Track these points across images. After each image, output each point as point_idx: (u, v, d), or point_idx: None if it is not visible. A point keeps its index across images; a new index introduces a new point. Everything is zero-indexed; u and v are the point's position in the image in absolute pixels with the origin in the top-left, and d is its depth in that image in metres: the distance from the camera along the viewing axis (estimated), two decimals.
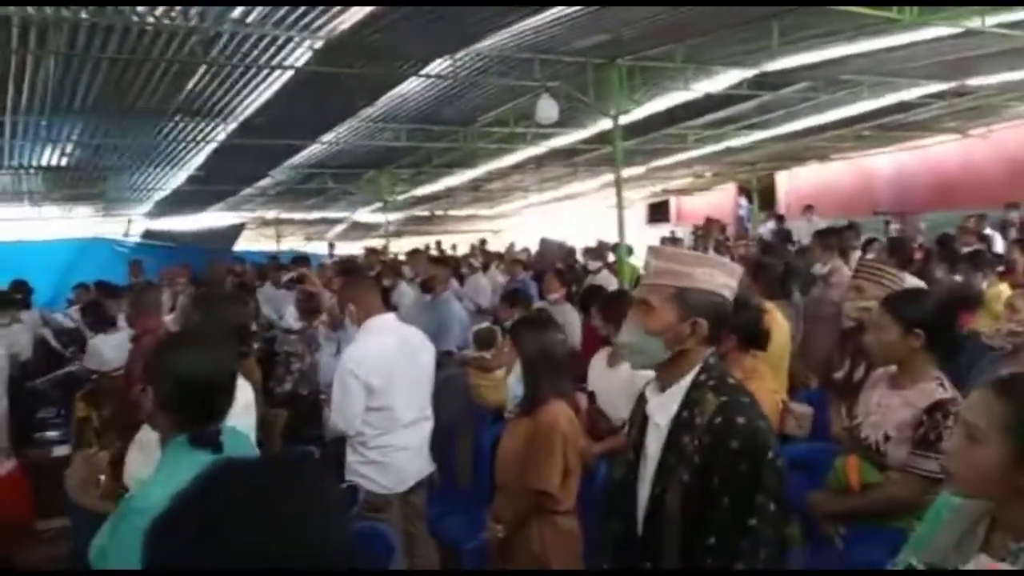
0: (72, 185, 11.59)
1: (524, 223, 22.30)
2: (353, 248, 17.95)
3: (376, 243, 17.18)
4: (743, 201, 18.18)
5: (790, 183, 17.57)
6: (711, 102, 9.11)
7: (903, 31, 6.54)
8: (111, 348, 6.42)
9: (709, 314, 1.67)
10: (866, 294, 3.05)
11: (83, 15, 5.02)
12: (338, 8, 5.10)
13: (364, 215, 17.41)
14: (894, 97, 9.66)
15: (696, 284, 1.67)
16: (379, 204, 14.41)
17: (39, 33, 5.32)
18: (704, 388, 1.65)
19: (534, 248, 13.25)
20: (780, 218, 13.93)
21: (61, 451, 6.19)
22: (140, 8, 4.99)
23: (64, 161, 9.77)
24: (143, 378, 1.79)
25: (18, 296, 7.90)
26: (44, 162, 9.73)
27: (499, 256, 12.88)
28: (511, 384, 2.65)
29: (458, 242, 17.67)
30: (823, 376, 3.71)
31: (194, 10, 5.07)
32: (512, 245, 16.01)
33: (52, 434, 6.73)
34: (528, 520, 2.62)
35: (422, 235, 18.47)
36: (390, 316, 3.55)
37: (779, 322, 3.40)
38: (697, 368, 1.67)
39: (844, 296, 3.29)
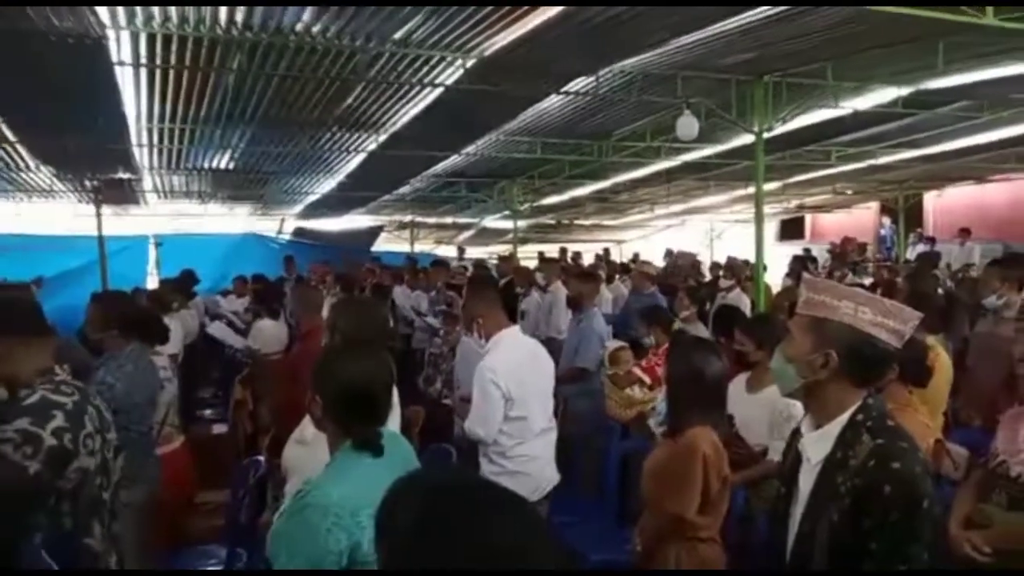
0: (236, 186, 12.65)
1: (647, 235, 22.09)
2: (479, 252, 18.46)
3: (503, 248, 17.59)
4: (886, 221, 17.18)
5: (940, 203, 16.44)
6: (858, 119, 8.73)
7: None
8: (272, 331, 7.03)
9: (845, 349, 1.65)
10: None
11: (263, 36, 5.53)
12: (494, 28, 5.34)
13: (492, 221, 17.88)
14: None
15: (835, 317, 1.66)
16: (508, 212, 14.78)
17: (223, 52, 5.87)
18: (859, 429, 1.63)
19: (657, 260, 13.14)
20: (931, 240, 13.08)
21: (219, 429, 6.80)
22: (314, 29, 5.44)
23: (231, 165, 10.69)
24: (312, 386, 1.94)
25: (189, 284, 8.74)
26: (214, 165, 10.69)
27: (623, 267, 12.86)
28: (658, 401, 2.63)
29: (582, 250, 17.77)
30: (987, 416, 3.52)
31: (361, 31, 5.46)
32: (637, 256, 15.92)
33: (210, 412, 7.36)
34: (666, 542, 2.62)
35: (547, 242, 18.68)
36: (516, 329, 3.67)
37: (942, 360, 3.27)
38: (853, 408, 1.66)
39: (1014, 338, 3.12)
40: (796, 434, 1.85)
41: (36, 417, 2.10)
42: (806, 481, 1.71)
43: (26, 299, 2.52)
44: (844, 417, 1.67)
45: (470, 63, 6.03)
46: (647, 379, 4.79)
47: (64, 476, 2.12)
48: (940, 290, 6.91)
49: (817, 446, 1.69)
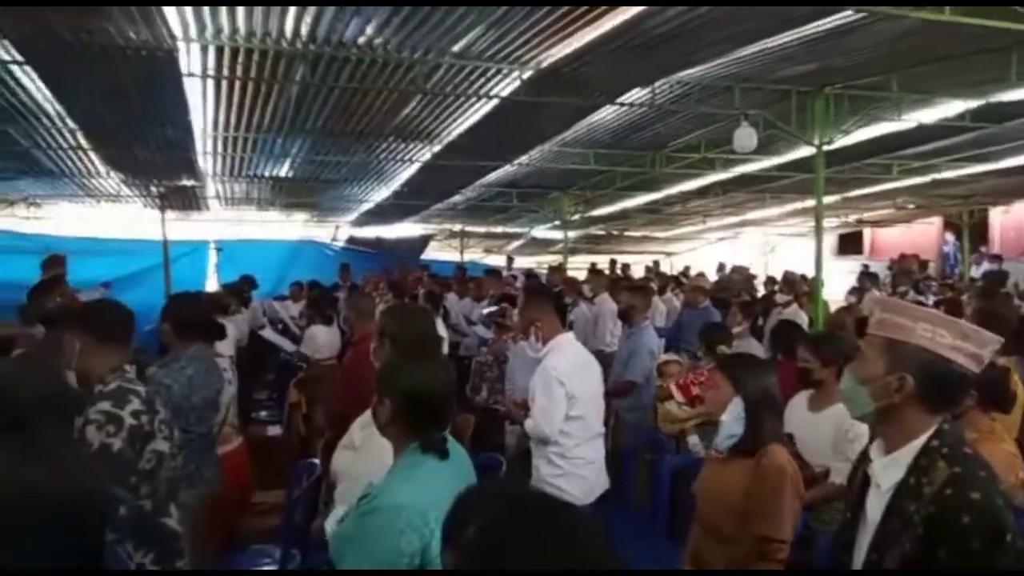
0: (293, 194, 12.96)
1: (697, 247, 21.80)
2: (528, 262, 18.49)
3: (551, 259, 17.59)
4: (949, 237, 16.59)
5: (1007, 220, 15.81)
6: (923, 132, 8.48)
7: None
8: (325, 338, 7.16)
9: (921, 373, 1.59)
10: None
11: (326, 48, 5.67)
12: (552, 40, 5.36)
13: (542, 231, 17.91)
14: None
15: (911, 339, 1.60)
16: (557, 222, 14.79)
17: (287, 64, 6.03)
18: (935, 455, 1.57)
19: (709, 273, 12.94)
20: (997, 258, 12.58)
21: (274, 431, 6.94)
22: (376, 42, 5.54)
23: (291, 173, 10.95)
24: (378, 390, 2.03)
25: (246, 289, 8.99)
26: (274, 173, 10.97)
27: (675, 279, 12.73)
28: (725, 422, 2.54)
29: (631, 262, 17.63)
30: None
31: (421, 44, 5.55)
32: (688, 268, 15.71)
33: (265, 414, 7.52)
34: (751, 566, 2.49)
35: (596, 254, 18.62)
36: (571, 335, 3.84)
37: (1018, 383, 3.14)
38: (928, 434, 1.60)
39: None
40: (864, 458, 1.79)
41: (116, 401, 2.32)
42: (874, 507, 1.66)
43: (120, 308, 2.75)
44: (918, 443, 1.61)
45: (527, 75, 6.06)
46: (680, 397, 4.70)
47: (143, 456, 2.30)
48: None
49: (888, 472, 1.64)
